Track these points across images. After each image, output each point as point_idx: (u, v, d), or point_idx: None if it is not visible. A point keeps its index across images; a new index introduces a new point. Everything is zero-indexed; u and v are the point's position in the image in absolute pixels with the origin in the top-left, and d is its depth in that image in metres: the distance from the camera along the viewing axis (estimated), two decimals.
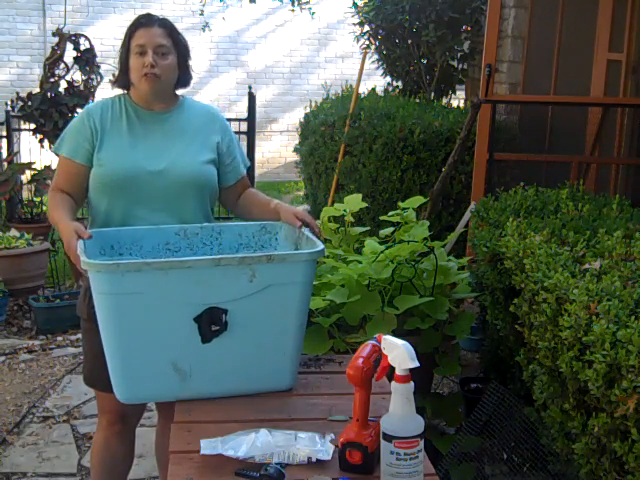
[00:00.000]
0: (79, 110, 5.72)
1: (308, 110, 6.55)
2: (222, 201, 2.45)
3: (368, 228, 3.58)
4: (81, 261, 1.81)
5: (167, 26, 2.26)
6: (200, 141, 2.31)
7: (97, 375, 2.09)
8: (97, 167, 2.23)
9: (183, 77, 2.33)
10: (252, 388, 1.95)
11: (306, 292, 1.92)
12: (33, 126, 5.76)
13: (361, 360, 1.60)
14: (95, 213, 2.28)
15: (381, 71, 6.93)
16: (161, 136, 2.27)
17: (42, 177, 5.67)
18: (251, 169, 6.48)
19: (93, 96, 5.75)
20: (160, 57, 2.21)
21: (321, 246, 1.94)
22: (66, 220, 2.12)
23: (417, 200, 3.35)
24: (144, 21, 2.25)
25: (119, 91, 2.36)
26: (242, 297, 1.85)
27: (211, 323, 1.84)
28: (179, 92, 2.38)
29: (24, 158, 6.54)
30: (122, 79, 2.30)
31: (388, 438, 1.50)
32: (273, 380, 1.96)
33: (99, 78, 5.79)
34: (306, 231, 2.11)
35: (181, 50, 2.29)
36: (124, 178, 2.20)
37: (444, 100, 6.68)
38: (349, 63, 10.71)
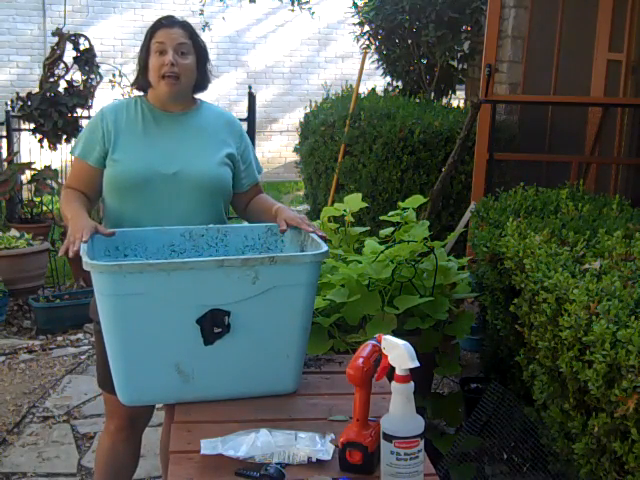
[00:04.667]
0: (79, 110, 5.73)
1: (308, 110, 6.55)
2: (233, 206, 2.45)
3: (368, 228, 3.58)
4: (83, 262, 1.81)
5: (188, 28, 2.26)
6: (216, 144, 2.31)
7: (109, 378, 2.09)
8: (110, 168, 2.23)
9: (201, 80, 2.33)
10: (255, 391, 1.94)
11: (310, 294, 1.91)
12: (33, 126, 5.76)
13: (361, 360, 1.60)
14: (108, 214, 2.29)
15: (381, 71, 6.93)
16: (177, 138, 2.27)
17: (42, 177, 5.67)
18: None
19: (93, 96, 5.75)
20: (180, 56, 2.21)
21: (325, 248, 1.92)
22: (84, 214, 2.14)
23: (417, 200, 3.35)
24: (165, 22, 2.25)
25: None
26: (245, 299, 1.84)
27: (214, 325, 1.84)
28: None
29: (24, 158, 6.53)
30: (141, 80, 2.30)
31: (388, 438, 1.50)
32: (276, 383, 1.95)
33: (99, 78, 5.79)
34: (312, 233, 2.10)
35: (200, 53, 2.29)
36: (137, 180, 2.20)
37: (444, 100, 6.68)
38: (349, 63, 10.71)
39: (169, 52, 2.20)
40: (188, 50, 2.24)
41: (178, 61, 2.21)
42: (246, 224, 2.41)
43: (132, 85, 2.36)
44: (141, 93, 2.35)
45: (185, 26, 2.26)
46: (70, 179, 2.33)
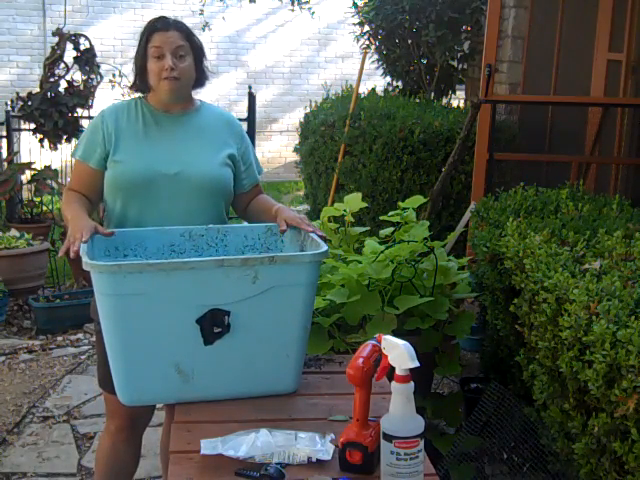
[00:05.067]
0: (79, 110, 5.73)
1: (308, 110, 6.55)
2: (233, 206, 2.46)
3: (368, 228, 3.58)
4: (83, 262, 1.81)
5: (183, 29, 2.26)
6: (216, 144, 2.31)
7: (110, 378, 2.09)
8: (112, 169, 2.24)
9: (200, 78, 2.34)
10: (255, 391, 1.94)
11: (310, 294, 1.91)
12: (33, 126, 5.76)
13: (361, 360, 1.60)
14: (109, 215, 2.29)
15: (381, 71, 6.93)
16: (177, 138, 2.28)
17: (42, 177, 5.67)
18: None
19: (93, 96, 5.75)
20: (178, 59, 2.22)
21: (324, 247, 1.93)
22: (83, 215, 2.14)
23: (417, 200, 3.35)
24: (160, 25, 2.25)
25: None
26: (245, 299, 1.84)
27: (213, 325, 1.84)
28: (195, 95, 2.39)
29: (24, 158, 6.53)
30: (140, 83, 2.31)
31: (388, 438, 1.50)
32: (276, 383, 1.95)
33: (99, 78, 5.79)
34: (312, 233, 2.10)
35: (197, 51, 2.29)
36: (138, 180, 2.20)
37: (444, 100, 6.68)
38: (349, 63, 10.71)
39: (167, 56, 2.20)
40: (186, 52, 2.24)
41: (177, 64, 2.21)
42: (246, 224, 2.42)
43: (131, 88, 2.37)
44: (141, 94, 2.36)
45: (180, 28, 2.26)
46: (72, 182, 2.34)
